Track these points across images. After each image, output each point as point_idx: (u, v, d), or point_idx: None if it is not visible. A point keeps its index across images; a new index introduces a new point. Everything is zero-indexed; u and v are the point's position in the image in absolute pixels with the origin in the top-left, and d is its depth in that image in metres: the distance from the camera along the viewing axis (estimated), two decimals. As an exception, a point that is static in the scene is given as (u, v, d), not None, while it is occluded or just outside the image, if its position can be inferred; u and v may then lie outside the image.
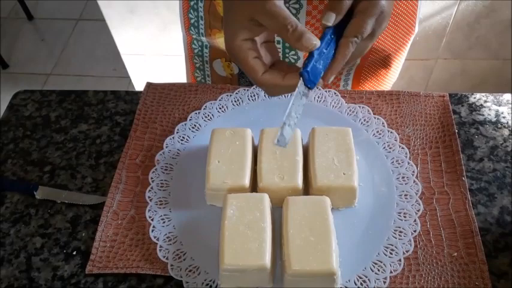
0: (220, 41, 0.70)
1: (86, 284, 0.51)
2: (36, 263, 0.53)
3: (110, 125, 0.66)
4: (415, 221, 0.52)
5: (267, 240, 0.46)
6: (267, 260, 0.45)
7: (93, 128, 0.66)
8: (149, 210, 0.54)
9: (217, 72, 0.76)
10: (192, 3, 0.69)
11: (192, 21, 0.71)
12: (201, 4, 0.68)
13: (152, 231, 0.52)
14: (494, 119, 0.63)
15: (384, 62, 0.75)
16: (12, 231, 0.56)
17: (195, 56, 0.76)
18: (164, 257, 0.50)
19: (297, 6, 0.59)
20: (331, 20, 0.44)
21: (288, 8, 0.55)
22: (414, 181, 0.55)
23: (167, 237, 0.52)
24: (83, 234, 0.55)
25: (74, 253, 0.54)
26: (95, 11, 2.15)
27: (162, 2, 1.39)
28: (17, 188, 0.59)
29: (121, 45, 1.57)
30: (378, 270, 0.48)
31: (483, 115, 0.63)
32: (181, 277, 0.49)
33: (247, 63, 0.45)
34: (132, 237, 0.54)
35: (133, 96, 0.69)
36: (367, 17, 0.44)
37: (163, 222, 0.53)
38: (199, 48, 0.74)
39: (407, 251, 0.50)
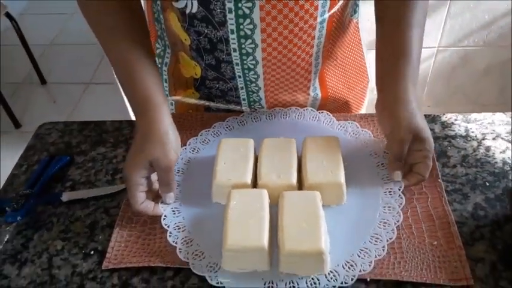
0: (188, 99, 0.79)
1: (102, 279, 0.56)
2: (57, 262, 0.59)
3: (125, 147, 0.74)
4: (398, 212, 0.58)
5: (265, 225, 0.53)
6: (265, 241, 0.51)
7: (109, 150, 0.74)
8: (161, 202, 0.61)
9: None
10: None
11: None
12: (165, 68, 0.78)
13: (164, 219, 0.59)
14: (464, 134, 0.71)
15: (344, 108, 0.83)
16: (35, 236, 0.62)
17: None
18: (174, 241, 0.56)
19: (249, 5, 0.60)
20: (400, 177, 0.61)
21: (240, 8, 0.60)
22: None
23: (177, 226, 0.58)
24: (100, 237, 0.61)
25: (92, 253, 0.59)
26: (104, 75, 2.33)
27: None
28: (43, 199, 0.66)
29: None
30: (364, 255, 0.54)
31: (454, 131, 0.72)
32: (188, 259, 0.55)
33: (133, 193, 0.58)
34: (144, 238, 0.59)
35: (146, 124, 0.77)
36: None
37: (174, 214, 0.60)
38: None
39: (390, 239, 0.55)
